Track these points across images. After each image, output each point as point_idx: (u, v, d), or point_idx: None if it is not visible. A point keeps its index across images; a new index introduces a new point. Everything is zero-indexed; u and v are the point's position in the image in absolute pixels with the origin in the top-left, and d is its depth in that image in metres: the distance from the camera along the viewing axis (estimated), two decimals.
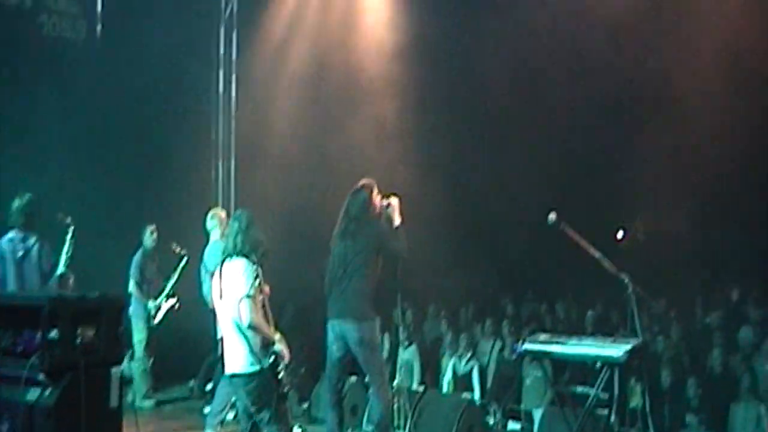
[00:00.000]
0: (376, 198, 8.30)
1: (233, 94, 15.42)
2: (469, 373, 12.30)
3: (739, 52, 12.66)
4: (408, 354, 12.63)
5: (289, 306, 13.46)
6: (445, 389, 12.36)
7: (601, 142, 16.20)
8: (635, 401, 9.52)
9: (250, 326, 6.62)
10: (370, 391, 8.41)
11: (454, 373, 12.40)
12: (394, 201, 8.38)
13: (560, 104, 14.82)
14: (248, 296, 6.64)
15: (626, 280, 7.30)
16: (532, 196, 13.71)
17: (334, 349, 8.28)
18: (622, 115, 15.91)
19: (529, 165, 15.34)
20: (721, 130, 14.39)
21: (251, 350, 6.69)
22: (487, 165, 15.70)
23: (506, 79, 14.33)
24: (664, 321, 13.15)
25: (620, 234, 22.24)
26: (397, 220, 8.30)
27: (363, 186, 8.33)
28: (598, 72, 14.35)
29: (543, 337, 7.90)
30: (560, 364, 10.95)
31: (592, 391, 7.65)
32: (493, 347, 12.63)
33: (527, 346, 7.60)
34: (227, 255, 6.92)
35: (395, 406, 9.38)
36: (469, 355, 12.37)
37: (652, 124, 14.86)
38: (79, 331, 5.94)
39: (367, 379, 8.66)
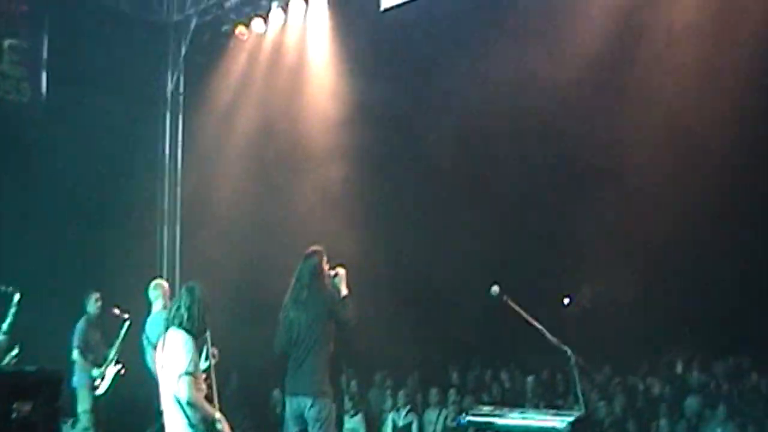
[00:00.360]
0: (326, 266, 8.28)
1: (179, 159, 15.41)
2: (409, 426, 12.30)
3: (687, 125, 12.87)
4: (353, 423, 12.57)
5: (234, 375, 13.31)
6: None
7: (548, 209, 16.35)
8: None
9: (189, 403, 6.55)
10: None
11: (394, 426, 12.40)
12: (341, 271, 8.34)
13: (506, 172, 14.95)
14: (187, 373, 6.58)
15: (569, 352, 7.32)
16: (479, 263, 13.80)
17: (290, 425, 8.10)
18: (569, 183, 16.08)
19: (476, 232, 15.41)
20: (666, 200, 14.63)
21: (190, 424, 6.60)
22: (432, 232, 15.76)
23: (452, 146, 14.46)
24: (608, 388, 13.19)
25: (566, 301, 22.41)
26: (344, 291, 8.26)
27: (314, 252, 8.27)
28: (544, 140, 14.54)
29: (486, 408, 7.86)
30: None
31: None
32: (438, 416, 12.59)
33: (471, 418, 7.55)
34: (169, 326, 6.86)
35: None
36: (407, 408, 12.38)
37: (599, 192, 15.01)
38: (15, 406, 5.81)
39: None
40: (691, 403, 11.89)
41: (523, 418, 7.44)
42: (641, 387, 13.68)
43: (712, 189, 15.25)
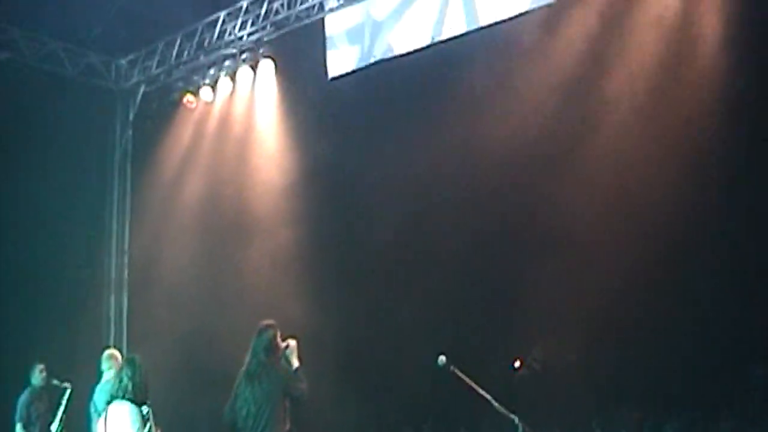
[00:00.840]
0: (279, 340, 8.21)
1: (126, 226, 15.32)
2: None
3: (631, 189, 13.06)
4: None
5: None
6: None
7: (495, 276, 16.41)
8: None
9: None
10: None
11: None
12: (293, 343, 8.26)
13: (454, 239, 14.98)
14: None
15: (516, 421, 7.33)
16: (429, 331, 13.78)
17: None
18: (516, 249, 16.17)
19: (425, 299, 15.43)
20: (614, 260, 14.79)
21: None
22: (381, 299, 15.73)
23: (396, 210, 14.51)
24: None
25: (517, 364, 22.48)
26: (296, 363, 8.18)
27: (268, 326, 8.17)
28: (491, 207, 14.62)
29: None
30: None
31: None
32: None
33: None
34: (114, 397, 6.83)
35: None
36: None
37: (547, 257, 15.13)
38: None
39: None
40: None
41: None
42: None
43: (660, 250, 15.48)
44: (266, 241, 14.06)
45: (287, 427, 7.93)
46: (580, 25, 12.63)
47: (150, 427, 6.82)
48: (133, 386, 6.87)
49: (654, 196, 13.14)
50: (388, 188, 14.35)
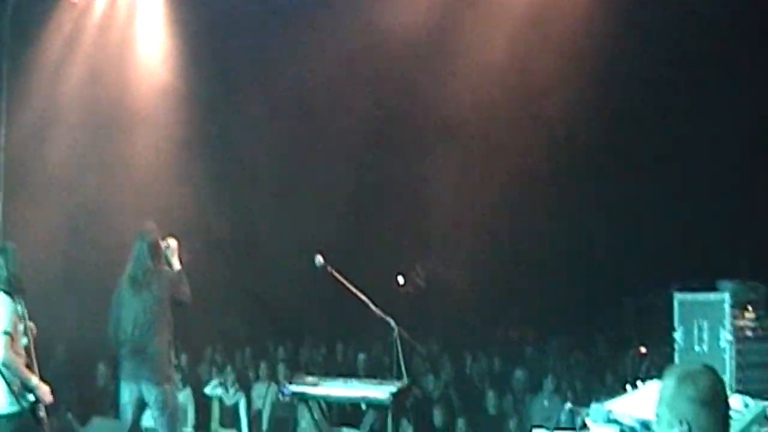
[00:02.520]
0: (161, 242, 7.98)
1: (2, 121, 14.70)
2: (236, 405, 12.26)
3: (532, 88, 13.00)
4: (182, 397, 12.33)
5: (60, 348, 12.84)
6: (212, 423, 12.21)
7: (380, 188, 16.45)
8: None
9: (4, 364, 6.29)
10: None
11: (221, 405, 12.32)
12: (173, 243, 8.04)
13: (338, 148, 14.89)
14: (5, 332, 6.35)
15: (392, 323, 7.39)
16: (313, 240, 13.74)
17: (129, 412, 7.73)
18: (402, 162, 16.17)
19: (310, 208, 15.36)
20: (501, 180, 14.95)
21: (9, 389, 6.35)
22: (262, 198, 15.54)
23: (284, 106, 14.25)
24: (438, 363, 13.45)
25: (401, 280, 22.77)
26: (176, 265, 7.98)
27: (148, 230, 7.94)
28: (378, 112, 14.50)
29: (310, 379, 7.87)
30: (336, 407, 11.02)
31: None
32: (268, 390, 12.54)
33: (294, 387, 7.54)
34: None
35: None
36: (236, 387, 12.34)
37: (433, 172, 15.15)
38: None
39: None
40: (519, 376, 12.23)
41: (346, 388, 7.49)
42: (470, 362, 14.02)
43: (547, 173, 15.73)
44: (149, 137, 13.69)
45: (170, 337, 7.82)
46: None
47: (25, 326, 6.64)
48: (7, 275, 6.64)
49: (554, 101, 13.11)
50: (276, 85, 14.08)
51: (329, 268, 7.45)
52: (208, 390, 12.70)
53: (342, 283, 7.43)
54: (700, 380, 3.18)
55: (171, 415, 7.75)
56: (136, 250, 7.85)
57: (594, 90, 13.38)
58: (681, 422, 3.17)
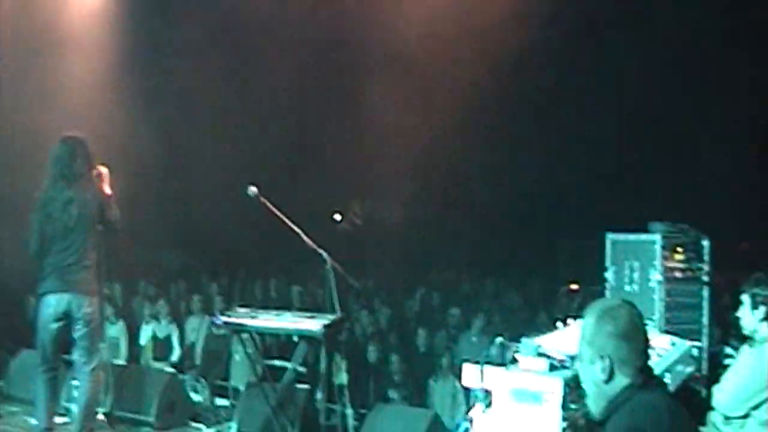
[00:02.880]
0: (91, 156, 7.69)
1: None
2: (168, 338, 12.32)
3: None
4: (114, 330, 12.27)
5: None
6: (144, 354, 12.27)
7: (315, 126, 16.31)
8: (340, 377, 9.63)
9: None
10: (83, 370, 7.59)
11: (154, 337, 12.30)
12: (104, 170, 7.79)
13: (270, 72, 14.61)
14: None
15: (324, 255, 7.36)
16: (246, 173, 13.58)
17: (53, 326, 7.46)
18: (337, 100, 16.01)
19: (244, 141, 15.14)
20: (439, 119, 14.91)
21: None
22: (198, 135, 15.29)
23: (216, 32, 13.92)
24: (373, 300, 13.53)
25: (338, 217, 22.79)
26: (107, 191, 7.78)
27: (76, 138, 7.59)
28: (313, 31, 14.21)
29: (243, 311, 7.82)
30: (269, 340, 11.04)
31: (290, 366, 7.68)
32: (201, 323, 12.51)
33: (226, 318, 7.49)
34: None
35: None
36: (168, 320, 12.32)
37: (370, 102, 14.98)
38: None
39: (78, 357, 7.66)
40: (454, 313, 12.37)
41: (279, 321, 7.46)
42: (405, 299, 14.15)
43: (488, 114, 15.73)
44: (82, 61, 13.32)
45: (99, 258, 7.64)
46: None
47: None
48: None
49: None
50: (215, 9, 13.77)
51: (262, 199, 7.34)
52: (142, 328, 12.64)
53: (275, 214, 7.33)
54: (619, 315, 3.22)
55: (94, 329, 7.59)
56: (58, 157, 7.48)
57: (541, 31, 13.36)
58: (602, 357, 3.20)
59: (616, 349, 3.19)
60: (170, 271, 14.95)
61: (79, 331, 7.50)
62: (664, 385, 3.47)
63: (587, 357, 3.27)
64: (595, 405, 3.33)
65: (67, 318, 7.47)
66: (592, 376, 3.26)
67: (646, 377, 3.22)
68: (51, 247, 7.43)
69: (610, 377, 3.21)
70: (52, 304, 7.46)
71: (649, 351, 3.33)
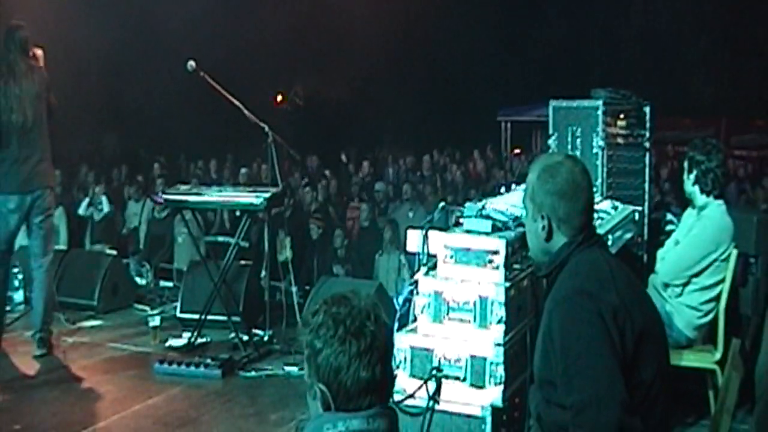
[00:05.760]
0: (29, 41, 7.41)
1: None
2: (109, 222, 12.46)
3: None
4: (54, 217, 12.11)
5: None
6: (85, 240, 12.24)
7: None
8: (284, 255, 9.64)
9: None
10: (39, 262, 7.37)
11: (93, 222, 12.39)
12: (39, 52, 7.53)
13: None
14: None
15: (266, 129, 7.25)
16: (186, 51, 13.28)
17: (12, 221, 7.21)
18: None
19: (183, 17, 14.72)
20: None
21: None
22: (136, 12, 14.87)
23: None
24: (316, 176, 13.53)
25: (279, 98, 22.58)
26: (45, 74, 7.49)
27: (20, 26, 7.31)
28: None
29: (184, 187, 7.72)
30: (210, 219, 10.97)
31: (233, 241, 7.64)
32: (143, 207, 12.39)
33: (167, 196, 7.39)
34: None
35: None
36: (107, 202, 12.33)
37: None
38: None
39: (35, 248, 7.42)
40: (381, 187, 12.51)
41: (220, 195, 7.39)
42: (346, 174, 14.23)
43: None
44: None
45: (51, 149, 7.41)
46: None
47: None
48: None
49: None
50: None
51: (202, 73, 7.17)
52: (81, 210, 12.47)
53: (215, 89, 7.18)
54: (558, 173, 3.16)
55: (51, 223, 7.52)
56: (5, 47, 7.25)
57: None
58: (543, 216, 3.17)
59: (555, 208, 3.15)
60: (110, 155, 14.70)
61: (36, 226, 7.34)
62: (605, 243, 3.45)
63: (530, 213, 3.25)
64: (538, 260, 3.32)
65: (26, 213, 7.28)
66: (534, 231, 3.24)
67: (586, 236, 3.18)
68: (10, 141, 7.15)
69: (550, 235, 3.18)
70: (10, 199, 7.22)
71: (592, 209, 3.29)
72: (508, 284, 4.11)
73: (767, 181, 13.33)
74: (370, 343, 2.24)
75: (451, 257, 4.21)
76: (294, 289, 8.43)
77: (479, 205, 4.51)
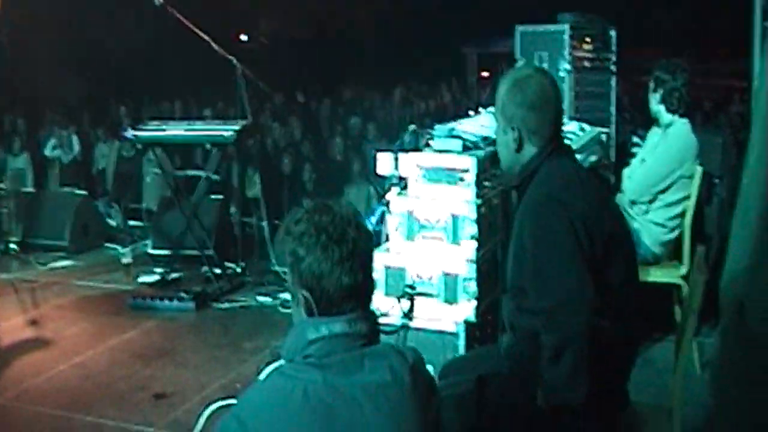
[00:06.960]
0: None
1: None
2: (76, 164, 12.31)
3: None
4: (19, 162, 12.01)
5: None
6: (51, 183, 12.07)
7: None
8: (254, 190, 9.62)
9: None
10: None
11: (60, 165, 12.23)
12: None
13: None
14: None
15: (234, 62, 7.20)
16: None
17: None
18: None
19: None
20: None
21: None
22: None
23: None
24: (285, 112, 13.47)
25: (244, 37, 22.34)
26: None
27: None
28: None
29: (153, 124, 7.66)
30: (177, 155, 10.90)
31: (203, 174, 7.62)
32: (111, 149, 12.29)
33: (137, 132, 7.34)
34: None
35: (4, 212, 8.88)
36: (73, 144, 12.27)
37: None
38: None
39: None
40: (355, 122, 12.46)
41: (189, 129, 7.36)
42: (314, 109, 14.20)
43: None
44: None
45: None
46: None
47: None
48: None
49: None
50: None
51: (169, 8, 7.07)
52: (47, 152, 12.36)
53: (182, 23, 7.08)
54: (528, 85, 3.19)
55: None
56: None
57: None
58: (513, 127, 3.20)
59: (525, 120, 3.18)
60: (76, 98, 14.51)
61: None
62: (573, 153, 3.50)
63: (501, 127, 3.27)
64: (509, 172, 3.36)
65: None
66: (505, 144, 3.27)
67: (555, 146, 3.23)
68: None
69: (520, 146, 3.22)
70: None
71: (561, 119, 3.33)
72: (479, 201, 4.16)
73: (731, 108, 13.44)
74: (352, 249, 2.27)
75: (423, 176, 4.25)
76: (264, 223, 8.44)
77: (449, 126, 4.55)
